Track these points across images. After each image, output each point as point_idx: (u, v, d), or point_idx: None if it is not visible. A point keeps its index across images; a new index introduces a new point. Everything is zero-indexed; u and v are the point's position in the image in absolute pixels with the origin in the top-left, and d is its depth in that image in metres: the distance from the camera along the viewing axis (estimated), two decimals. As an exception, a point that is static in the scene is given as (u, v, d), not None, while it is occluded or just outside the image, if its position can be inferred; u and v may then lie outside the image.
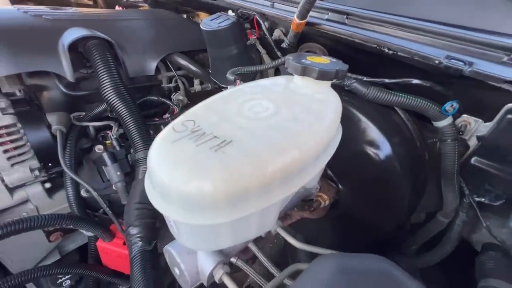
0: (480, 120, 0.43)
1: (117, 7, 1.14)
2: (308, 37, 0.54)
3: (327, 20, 0.49)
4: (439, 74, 0.38)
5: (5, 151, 0.48)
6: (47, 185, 0.55)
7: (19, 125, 0.50)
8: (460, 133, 0.44)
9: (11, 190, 0.49)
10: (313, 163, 0.28)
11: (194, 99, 0.84)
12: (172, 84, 0.81)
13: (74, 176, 0.51)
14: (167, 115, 0.77)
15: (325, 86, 0.34)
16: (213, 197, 0.23)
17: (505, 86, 0.33)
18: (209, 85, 0.85)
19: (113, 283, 0.62)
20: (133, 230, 0.49)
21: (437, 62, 0.36)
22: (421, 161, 0.45)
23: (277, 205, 0.28)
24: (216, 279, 0.31)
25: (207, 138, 0.25)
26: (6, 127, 0.48)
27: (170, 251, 0.32)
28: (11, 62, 0.54)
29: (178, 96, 0.80)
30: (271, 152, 0.25)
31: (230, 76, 0.50)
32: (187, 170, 0.23)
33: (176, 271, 0.34)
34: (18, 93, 0.57)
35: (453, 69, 0.35)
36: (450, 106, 0.42)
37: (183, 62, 0.78)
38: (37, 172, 0.52)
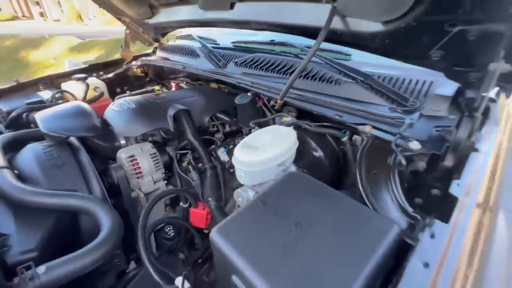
0: (360, 137, 1.01)
1: (172, 83, 1.83)
2: (287, 104, 1.15)
3: (293, 98, 1.10)
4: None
5: (154, 164, 1.07)
6: (165, 182, 1.12)
7: (157, 153, 1.10)
8: (353, 142, 1.02)
9: (154, 182, 1.07)
10: (285, 153, 0.86)
11: (227, 136, 1.45)
12: (215, 128, 1.42)
13: (184, 175, 1.10)
14: (213, 146, 1.36)
15: (289, 128, 0.93)
16: (254, 162, 0.81)
17: (351, 125, 0.91)
18: (234, 127, 1.45)
19: (194, 236, 1.16)
20: (210, 199, 1.06)
21: (331, 116, 0.95)
22: (338, 157, 1.03)
23: (274, 167, 0.85)
24: (255, 199, 0.87)
25: (252, 147, 0.84)
26: (154, 153, 1.08)
27: (239, 191, 0.89)
28: (148, 124, 1.15)
29: (219, 135, 1.41)
30: (270, 149, 0.83)
31: (252, 124, 1.10)
32: (248, 155, 0.81)
33: (239, 200, 0.90)
34: (150, 139, 1.18)
35: (336, 119, 0.94)
36: (344, 132, 1.00)
37: (221, 116, 1.39)
38: (163, 175, 1.10)
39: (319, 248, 0.54)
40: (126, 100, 1.23)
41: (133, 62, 2.18)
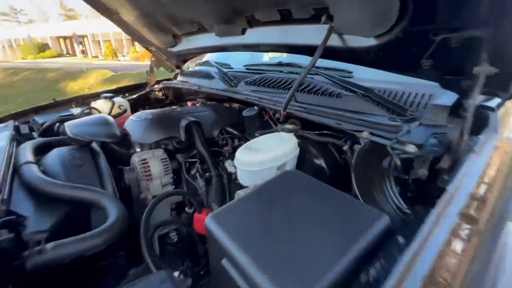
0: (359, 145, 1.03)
1: (188, 103, 1.98)
2: (291, 115, 1.21)
3: (297, 110, 1.16)
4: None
5: (164, 168, 1.14)
6: (173, 186, 1.18)
7: (167, 159, 1.18)
8: (354, 151, 1.03)
9: (163, 186, 1.13)
10: (284, 156, 0.90)
11: (235, 149, 1.51)
12: (223, 142, 1.49)
13: (191, 180, 1.15)
14: (221, 158, 1.42)
15: (290, 134, 0.98)
16: (254, 162, 0.85)
17: (350, 131, 0.94)
18: (243, 142, 1.52)
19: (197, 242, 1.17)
20: (214, 204, 1.09)
21: (331, 125, 1.00)
22: (339, 165, 1.04)
23: (273, 169, 0.89)
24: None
25: (253, 149, 0.89)
26: (164, 159, 1.16)
27: (239, 192, 0.92)
28: (161, 133, 1.25)
29: (227, 148, 1.47)
30: (269, 151, 0.88)
31: (257, 134, 1.16)
32: (248, 156, 0.86)
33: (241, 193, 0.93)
34: (162, 147, 1.27)
35: (335, 127, 0.98)
36: (345, 141, 1.03)
37: (229, 130, 1.48)
38: (172, 179, 1.16)
39: (306, 236, 0.56)
40: (145, 112, 1.36)
41: (155, 86, 2.39)
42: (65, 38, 29.45)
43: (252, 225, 0.61)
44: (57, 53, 27.68)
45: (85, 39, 27.93)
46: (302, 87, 1.25)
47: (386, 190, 0.72)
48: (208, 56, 2.43)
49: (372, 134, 0.90)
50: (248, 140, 1.45)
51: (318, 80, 1.24)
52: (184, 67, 2.47)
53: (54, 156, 1.10)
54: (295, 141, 0.96)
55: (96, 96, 2.13)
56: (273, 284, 0.45)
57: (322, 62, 1.31)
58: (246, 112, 1.29)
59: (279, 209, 0.64)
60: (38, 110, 1.91)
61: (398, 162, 0.72)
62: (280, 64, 1.54)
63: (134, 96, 2.29)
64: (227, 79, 1.67)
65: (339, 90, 1.15)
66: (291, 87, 1.32)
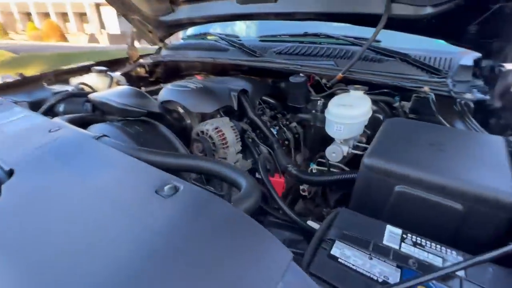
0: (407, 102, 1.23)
1: (197, 76, 1.85)
2: (341, 81, 1.32)
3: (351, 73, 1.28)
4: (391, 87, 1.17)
5: (236, 136, 1.10)
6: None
7: (235, 126, 1.14)
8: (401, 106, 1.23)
9: (236, 153, 1.10)
10: (369, 112, 1.02)
11: (272, 117, 1.53)
12: (260, 112, 1.50)
13: (261, 145, 1.15)
14: (262, 127, 1.43)
15: (364, 95, 1.10)
16: (355, 115, 0.95)
17: (412, 87, 1.12)
18: (275, 112, 1.56)
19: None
20: (290, 166, 1.14)
21: (392, 84, 1.15)
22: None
23: (363, 123, 1.00)
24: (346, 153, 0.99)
25: (346, 105, 0.98)
26: (233, 126, 1.12)
27: (333, 147, 1.00)
28: (217, 102, 1.19)
29: (265, 117, 1.49)
30: (362, 107, 0.98)
31: (318, 98, 1.23)
32: (347, 110, 0.95)
33: (333, 155, 1.01)
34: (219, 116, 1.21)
35: (396, 85, 1.14)
36: (395, 98, 1.21)
37: (267, 99, 1.49)
38: (240, 147, 1.14)
39: (463, 156, 0.70)
40: (188, 81, 1.25)
41: (141, 60, 2.12)
42: None
43: (406, 153, 0.72)
44: None
45: (-47, 9, 21.07)
46: (343, 54, 1.36)
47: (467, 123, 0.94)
48: (195, 29, 2.25)
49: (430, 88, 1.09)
50: (283, 111, 1.51)
51: (354, 48, 1.38)
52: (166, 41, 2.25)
53: (112, 132, 0.93)
54: (369, 100, 1.08)
55: (73, 72, 1.79)
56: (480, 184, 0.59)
57: (350, 31, 1.44)
58: (293, 79, 1.33)
59: (417, 141, 0.76)
60: (4, 88, 1.49)
61: (472, 105, 0.94)
62: (306, 34, 1.61)
63: (118, 73, 1.99)
64: (248, 50, 1.64)
65: (379, 56, 1.31)
66: (328, 55, 1.42)
